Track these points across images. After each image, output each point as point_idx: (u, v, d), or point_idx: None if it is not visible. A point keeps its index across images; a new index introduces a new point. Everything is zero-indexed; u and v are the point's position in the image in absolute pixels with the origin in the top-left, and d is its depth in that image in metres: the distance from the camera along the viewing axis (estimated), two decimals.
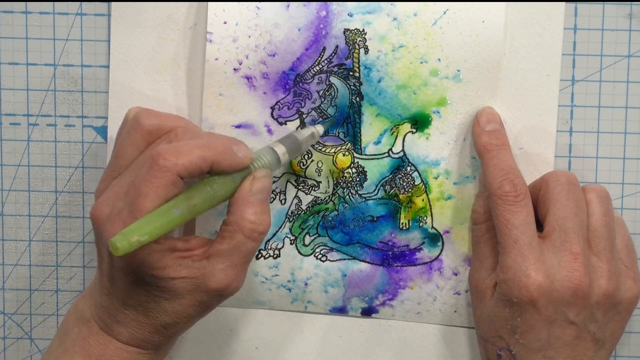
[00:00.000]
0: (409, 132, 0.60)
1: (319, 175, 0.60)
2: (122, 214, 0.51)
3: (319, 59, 0.59)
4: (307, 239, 0.61)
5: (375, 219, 0.61)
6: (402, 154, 0.60)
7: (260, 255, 0.61)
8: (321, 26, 0.59)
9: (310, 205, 0.61)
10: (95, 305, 0.55)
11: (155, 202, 0.50)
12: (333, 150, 0.60)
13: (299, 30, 0.59)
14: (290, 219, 0.61)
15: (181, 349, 0.63)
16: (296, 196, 0.61)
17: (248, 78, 0.59)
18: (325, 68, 0.59)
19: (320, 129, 0.58)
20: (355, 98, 0.59)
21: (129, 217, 0.50)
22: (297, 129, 0.59)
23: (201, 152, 0.51)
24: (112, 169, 0.55)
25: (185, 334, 0.62)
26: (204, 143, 0.52)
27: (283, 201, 0.61)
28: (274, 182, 0.60)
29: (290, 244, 0.61)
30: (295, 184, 0.61)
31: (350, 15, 0.59)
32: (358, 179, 0.60)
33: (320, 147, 0.60)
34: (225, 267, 0.53)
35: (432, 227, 0.61)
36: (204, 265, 0.53)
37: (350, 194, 0.60)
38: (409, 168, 0.60)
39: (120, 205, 0.51)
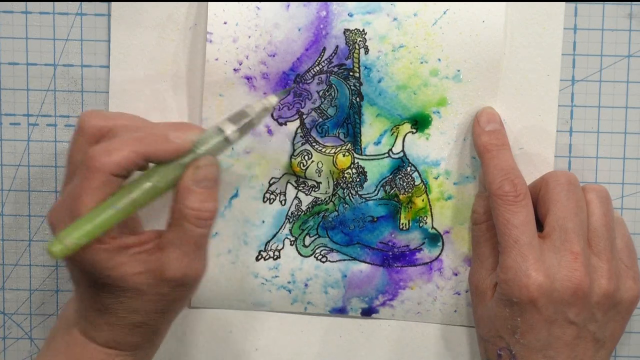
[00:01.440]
0: (409, 132, 0.60)
1: (319, 176, 0.60)
2: (65, 220, 0.51)
3: (319, 59, 0.59)
4: (307, 240, 0.61)
5: (375, 219, 0.61)
6: (402, 154, 0.60)
7: (260, 257, 0.61)
8: (321, 26, 0.59)
9: (310, 206, 0.61)
10: (75, 310, 0.55)
11: (91, 204, 0.50)
12: (333, 150, 0.60)
13: (299, 30, 0.59)
14: (290, 220, 0.61)
15: (181, 350, 0.63)
16: (296, 197, 0.61)
17: (248, 78, 0.59)
18: (325, 68, 0.59)
19: (273, 99, 0.55)
20: (355, 98, 0.59)
21: (68, 220, 0.50)
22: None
23: (132, 147, 0.50)
24: (65, 177, 0.55)
25: (185, 336, 0.62)
26: (137, 137, 0.51)
27: (283, 202, 0.61)
28: (274, 182, 0.60)
29: (290, 245, 0.61)
30: (295, 185, 0.61)
31: (350, 15, 0.59)
32: (358, 180, 0.60)
33: (320, 148, 0.60)
34: (178, 256, 0.52)
35: (432, 228, 0.61)
36: (159, 257, 0.52)
37: (350, 195, 0.60)
38: (409, 168, 0.60)
39: (63, 211, 0.51)
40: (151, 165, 0.52)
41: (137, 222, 0.56)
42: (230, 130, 0.53)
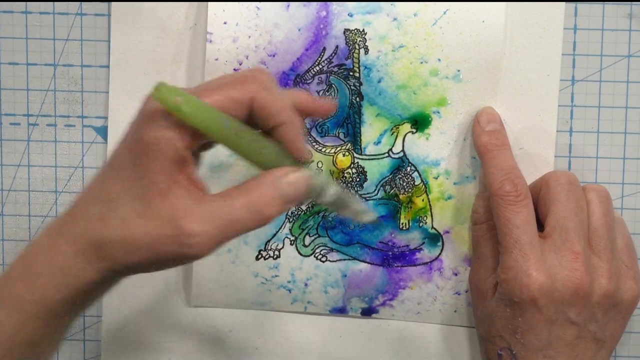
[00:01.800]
0: (409, 132, 0.60)
1: None
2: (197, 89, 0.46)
3: (319, 59, 0.59)
4: (307, 240, 0.61)
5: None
6: (402, 154, 0.60)
7: (260, 256, 0.61)
8: (321, 26, 0.59)
9: (310, 205, 0.61)
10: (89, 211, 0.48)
11: (221, 98, 0.45)
12: (333, 150, 0.60)
13: (299, 30, 0.59)
14: (290, 220, 0.61)
15: (181, 349, 0.63)
16: None
17: None
18: (325, 68, 0.59)
19: (371, 217, 0.52)
20: (355, 98, 0.59)
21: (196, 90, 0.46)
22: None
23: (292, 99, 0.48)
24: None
25: (185, 335, 0.62)
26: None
27: None
28: None
29: (290, 244, 0.61)
30: None
31: (350, 15, 0.59)
32: (358, 179, 0.60)
33: (320, 148, 0.60)
34: (206, 219, 0.45)
35: (432, 227, 0.61)
36: (192, 203, 0.45)
37: None
38: (409, 168, 0.60)
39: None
40: None
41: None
42: (333, 190, 0.50)
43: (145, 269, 0.47)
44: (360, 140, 0.60)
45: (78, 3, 0.61)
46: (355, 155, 0.60)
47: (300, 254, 0.61)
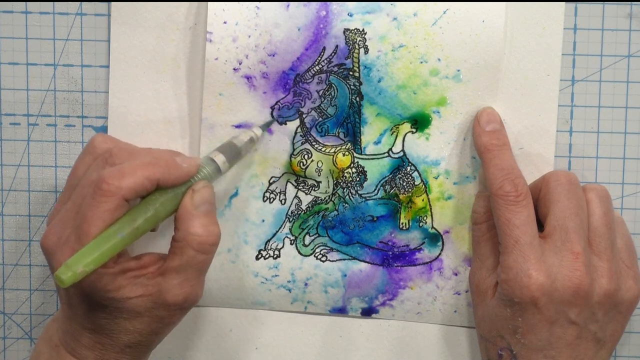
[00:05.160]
0: (409, 132, 0.60)
1: (318, 175, 0.60)
2: (69, 241, 0.51)
3: (319, 58, 0.59)
4: (307, 239, 0.61)
5: (375, 219, 0.61)
6: (402, 153, 0.60)
7: (260, 256, 0.61)
8: (321, 26, 0.59)
9: (310, 205, 0.61)
10: (62, 329, 0.55)
11: (101, 227, 0.50)
12: (333, 150, 0.60)
13: (298, 30, 0.59)
14: (290, 219, 0.61)
15: (181, 349, 0.63)
16: (296, 196, 0.61)
17: (248, 78, 0.59)
18: (325, 68, 0.59)
19: (258, 131, 0.58)
20: (355, 98, 0.59)
21: (76, 243, 0.50)
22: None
23: (146, 172, 0.51)
24: (64, 191, 0.55)
25: (185, 334, 0.62)
26: (148, 162, 0.52)
27: (283, 201, 0.61)
28: (273, 181, 0.60)
29: (290, 244, 0.61)
30: (295, 184, 0.60)
31: (350, 15, 0.59)
32: (358, 179, 0.60)
33: (320, 147, 0.60)
34: (180, 282, 0.53)
35: (432, 227, 0.61)
36: (159, 282, 0.53)
37: (350, 194, 0.60)
38: (409, 168, 0.60)
39: (67, 232, 0.51)
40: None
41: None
42: (220, 160, 0.55)
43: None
44: (360, 139, 0.60)
45: (78, 3, 0.61)
46: (355, 154, 0.60)
47: (300, 254, 0.61)
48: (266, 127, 0.59)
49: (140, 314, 0.53)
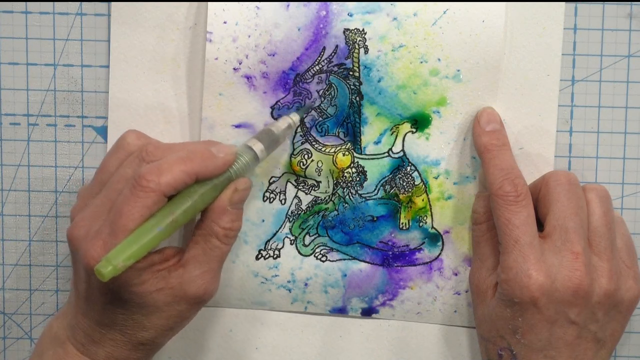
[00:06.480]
0: (409, 131, 0.60)
1: (318, 175, 0.60)
2: (102, 234, 0.51)
3: (319, 58, 0.59)
4: (307, 239, 0.61)
5: (375, 218, 0.61)
6: (402, 153, 0.60)
7: (260, 256, 0.61)
8: (321, 26, 0.59)
9: (310, 205, 0.61)
10: (70, 326, 0.55)
11: (139, 223, 0.50)
12: (333, 150, 0.60)
13: (298, 30, 0.59)
14: (290, 219, 0.61)
15: (181, 348, 0.63)
16: (296, 196, 0.61)
17: (248, 78, 0.59)
18: (325, 68, 0.59)
19: (295, 117, 0.58)
20: (355, 98, 0.59)
21: (109, 237, 0.50)
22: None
23: (183, 167, 0.51)
24: (93, 185, 0.55)
25: (185, 334, 0.62)
26: (184, 156, 0.52)
27: (283, 201, 0.61)
28: (273, 181, 0.60)
29: (290, 244, 0.61)
30: (295, 184, 0.60)
31: (350, 15, 0.59)
32: (358, 179, 0.60)
33: (320, 147, 0.60)
34: (201, 273, 0.53)
35: (432, 227, 0.61)
36: (181, 273, 0.53)
37: (350, 194, 0.60)
38: (409, 168, 0.60)
39: (98, 225, 0.51)
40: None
41: None
42: (258, 149, 0.55)
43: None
44: (360, 139, 0.60)
45: (78, 3, 0.61)
46: (355, 154, 0.60)
47: (300, 254, 0.61)
48: (303, 113, 0.59)
49: (160, 308, 0.53)
